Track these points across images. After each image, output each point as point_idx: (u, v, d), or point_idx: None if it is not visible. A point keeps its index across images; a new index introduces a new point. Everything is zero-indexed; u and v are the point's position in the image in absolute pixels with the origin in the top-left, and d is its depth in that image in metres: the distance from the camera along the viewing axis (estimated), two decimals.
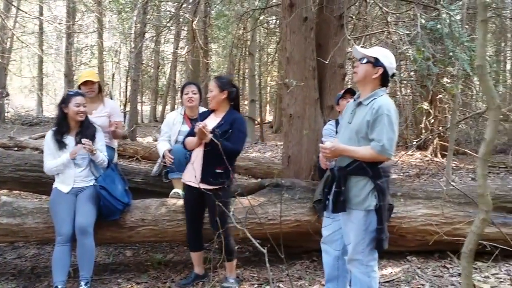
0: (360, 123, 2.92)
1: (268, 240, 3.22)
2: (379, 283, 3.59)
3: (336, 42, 5.13)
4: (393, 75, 2.95)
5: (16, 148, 10.34)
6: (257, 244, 2.63)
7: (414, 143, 9.41)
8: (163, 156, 4.45)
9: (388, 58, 2.95)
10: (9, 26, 14.44)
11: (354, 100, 3.09)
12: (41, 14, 19.79)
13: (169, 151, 4.42)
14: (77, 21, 19.28)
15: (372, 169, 2.87)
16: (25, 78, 24.06)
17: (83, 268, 3.62)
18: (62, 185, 3.87)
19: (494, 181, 4.78)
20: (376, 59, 2.93)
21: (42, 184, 4.44)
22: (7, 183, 4.62)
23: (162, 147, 4.55)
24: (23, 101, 29.08)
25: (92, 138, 3.94)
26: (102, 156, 3.98)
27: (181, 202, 4.17)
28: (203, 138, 3.58)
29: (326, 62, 5.01)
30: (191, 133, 3.81)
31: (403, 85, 11.01)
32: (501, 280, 3.79)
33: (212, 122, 3.79)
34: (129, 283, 3.97)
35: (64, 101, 3.92)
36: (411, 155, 10.17)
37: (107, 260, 4.59)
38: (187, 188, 3.84)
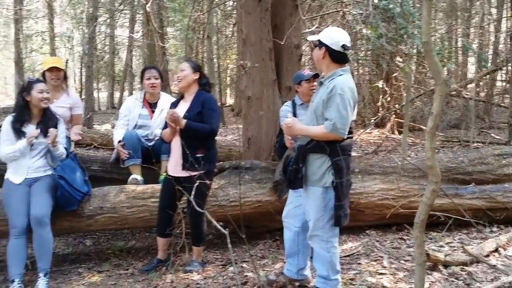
0: (318, 102, 2.98)
1: (231, 222, 3.25)
2: (340, 257, 3.68)
3: (291, 23, 5.12)
4: (345, 48, 2.96)
5: None
6: (219, 226, 2.64)
7: (372, 121, 9.63)
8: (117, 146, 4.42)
9: (329, 36, 2.99)
10: None
11: (319, 79, 3.15)
12: None
13: (122, 144, 4.37)
14: (25, 6, 18.53)
15: (329, 147, 2.92)
16: None
17: (41, 259, 3.53)
18: (14, 176, 3.74)
19: (447, 155, 4.94)
20: (319, 41, 3.02)
21: None
22: None
23: (117, 136, 4.50)
24: None
25: (55, 128, 3.83)
26: (61, 148, 3.88)
27: (140, 188, 4.14)
28: (177, 125, 3.56)
29: (282, 43, 5.01)
30: (166, 126, 3.79)
31: (360, 65, 11.16)
32: (455, 248, 3.95)
33: (183, 106, 3.78)
34: (90, 272, 3.92)
35: (26, 89, 3.79)
36: (370, 133, 10.36)
37: (67, 250, 4.52)
38: (166, 178, 3.80)
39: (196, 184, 3.08)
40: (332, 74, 2.98)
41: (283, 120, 4.36)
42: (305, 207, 3.15)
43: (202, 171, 3.48)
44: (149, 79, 4.52)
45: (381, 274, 3.50)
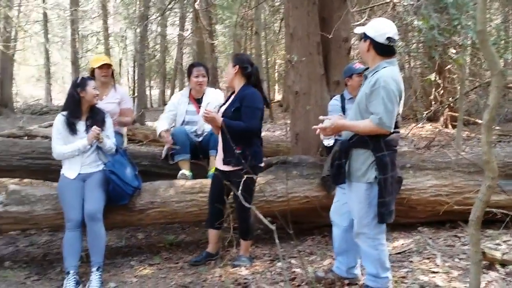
0: (361, 97, 2.92)
1: (280, 217, 3.23)
2: (391, 254, 3.60)
3: (339, 16, 5.04)
4: (391, 41, 2.87)
5: (26, 137, 10.40)
6: (266, 222, 2.63)
7: (424, 115, 9.34)
8: (160, 136, 4.53)
9: (374, 28, 2.91)
10: (13, 15, 14.43)
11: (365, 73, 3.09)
12: (44, 2, 19.74)
13: (169, 133, 4.44)
14: (81, 7, 19.19)
15: (373, 142, 2.86)
16: (32, 67, 24.08)
17: (94, 253, 3.64)
18: (68, 171, 3.87)
19: (504, 149, 4.72)
20: (364, 34, 2.95)
21: (51, 171, 4.45)
22: (16, 172, 4.66)
23: (160, 126, 4.58)
24: (32, 91, 29.22)
25: (102, 123, 3.95)
26: (110, 143, 3.97)
27: (189, 183, 4.19)
28: (214, 124, 3.62)
29: (330, 37, 4.95)
30: None
31: (411, 57, 10.85)
32: None
33: (228, 102, 3.80)
34: (141, 265, 4.01)
35: (80, 85, 3.90)
36: (422, 127, 10.08)
37: (120, 243, 4.64)
38: (216, 170, 3.84)
39: (243, 179, 3.07)
40: (376, 67, 2.91)
41: (331, 115, 4.32)
42: (349, 204, 3.09)
43: (244, 166, 3.46)
44: (197, 77, 4.56)
45: (434, 272, 3.38)
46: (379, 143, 2.85)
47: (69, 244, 3.62)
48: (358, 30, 3.06)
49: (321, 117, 3.12)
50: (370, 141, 2.86)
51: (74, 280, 3.48)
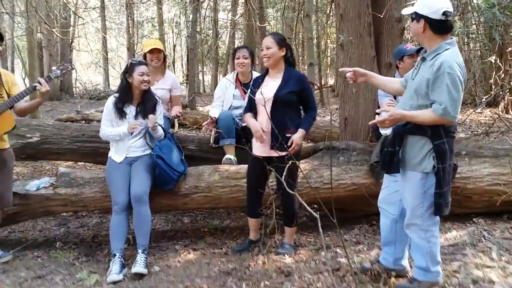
0: (419, 81, 2.71)
1: (326, 205, 3.11)
2: (442, 246, 3.42)
3: None
4: (447, 15, 2.65)
5: (83, 122, 10.74)
6: (310, 209, 2.54)
7: (484, 100, 8.88)
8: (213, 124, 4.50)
9: (426, 5, 2.68)
10: (70, 2, 14.83)
11: (421, 54, 2.86)
12: None
13: (214, 121, 4.42)
14: None
15: (431, 128, 2.68)
16: (91, 53, 24.82)
17: (140, 236, 3.67)
18: (115, 155, 3.93)
19: None
20: (415, 13, 2.71)
21: (99, 154, 4.54)
22: (66, 155, 4.77)
23: (212, 114, 4.54)
24: (92, 76, 30.17)
25: (153, 110, 3.98)
26: (160, 130, 4.01)
27: (234, 168, 4.15)
28: (294, 150, 3.52)
29: (382, 17, 4.73)
30: (248, 108, 3.78)
31: (470, 39, 10.32)
32: None
33: (272, 84, 3.66)
34: (186, 249, 4.01)
35: (128, 70, 3.94)
36: (480, 112, 9.61)
37: (166, 227, 4.68)
38: (253, 157, 3.71)
39: (288, 164, 2.97)
40: (437, 48, 2.69)
41: (381, 99, 4.14)
42: (402, 193, 2.92)
43: (290, 151, 3.36)
44: (238, 58, 4.50)
45: (489, 267, 3.18)
46: (437, 130, 2.68)
47: (115, 227, 3.67)
48: (407, 11, 2.84)
49: (377, 110, 2.94)
50: (428, 127, 2.68)
51: (120, 263, 3.52)
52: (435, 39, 2.71)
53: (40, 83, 3.62)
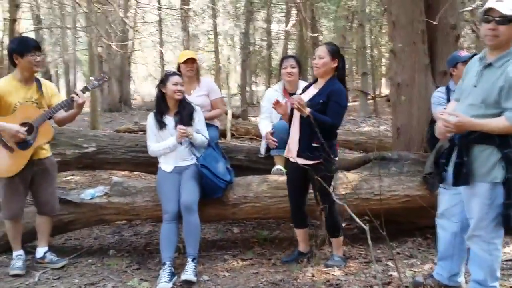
0: (489, 89, 2.56)
1: (377, 217, 3.02)
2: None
3: (446, 1, 4.66)
4: None
5: (141, 132, 11.03)
6: (359, 221, 2.48)
7: None
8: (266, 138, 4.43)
9: None
10: (130, 17, 15.35)
11: (480, 60, 2.69)
12: (159, 2, 20.82)
13: (272, 133, 4.36)
14: (190, 8, 19.94)
15: (499, 137, 2.54)
16: (147, 66, 25.60)
17: (189, 244, 3.69)
18: (165, 165, 3.99)
19: None
20: (505, 17, 2.47)
21: (151, 164, 4.59)
22: (121, 164, 4.90)
23: (264, 127, 4.50)
24: (151, 89, 31.09)
25: (190, 117, 3.99)
26: (200, 137, 4.01)
27: (282, 178, 4.11)
28: (301, 112, 3.44)
29: (436, 24, 4.59)
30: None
31: None
32: None
33: (311, 93, 3.64)
34: (235, 259, 4.01)
35: (162, 81, 4.01)
36: None
37: (216, 236, 4.70)
38: (289, 164, 3.74)
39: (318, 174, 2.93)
40: (507, 54, 2.54)
41: (435, 108, 4.00)
42: (466, 205, 2.76)
43: (319, 160, 3.33)
44: (285, 68, 4.48)
45: None
46: (506, 138, 2.54)
47: (165, 236, 3.71)
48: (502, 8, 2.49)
49: (448, 112, 2.73)
50: (497, 136, 2.55)
51: (170, 272, 3.54)
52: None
53: (77, 94, 3.73)
